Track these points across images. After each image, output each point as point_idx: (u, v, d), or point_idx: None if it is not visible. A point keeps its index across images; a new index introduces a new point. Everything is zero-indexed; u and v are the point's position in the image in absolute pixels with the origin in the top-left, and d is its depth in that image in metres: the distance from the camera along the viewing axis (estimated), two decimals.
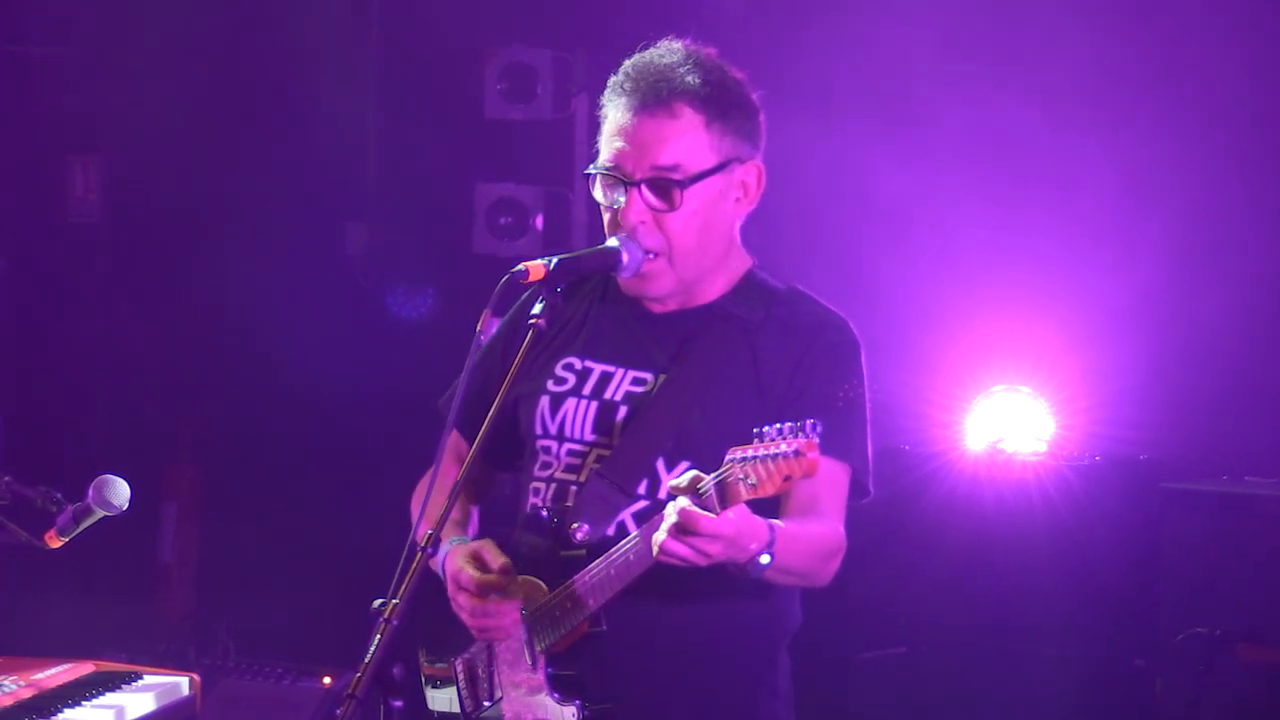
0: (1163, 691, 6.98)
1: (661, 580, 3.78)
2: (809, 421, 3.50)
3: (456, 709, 4.22)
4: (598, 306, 4.21)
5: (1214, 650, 6.78)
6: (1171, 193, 7.47)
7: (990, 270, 7.55)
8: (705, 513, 3.55)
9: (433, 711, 4.31)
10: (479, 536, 4.31)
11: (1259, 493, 6.98)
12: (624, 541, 3.81)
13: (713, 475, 3.58)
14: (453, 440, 4.27)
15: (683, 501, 3.58)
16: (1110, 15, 7.63)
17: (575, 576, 3.91)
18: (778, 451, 3.49)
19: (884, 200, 7.74)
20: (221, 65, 8.88)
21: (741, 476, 3.53)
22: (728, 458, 3.56)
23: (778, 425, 3.52)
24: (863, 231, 7.74)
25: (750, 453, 3.53)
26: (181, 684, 5.16)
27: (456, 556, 4.08)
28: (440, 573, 4.14)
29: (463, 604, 4.05)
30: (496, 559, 4.02)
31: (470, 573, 4.03)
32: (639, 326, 4.15)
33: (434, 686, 4.29)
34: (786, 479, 3.50)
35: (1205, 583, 6.90)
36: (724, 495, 3.56)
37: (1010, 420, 7.46)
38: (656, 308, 4.14)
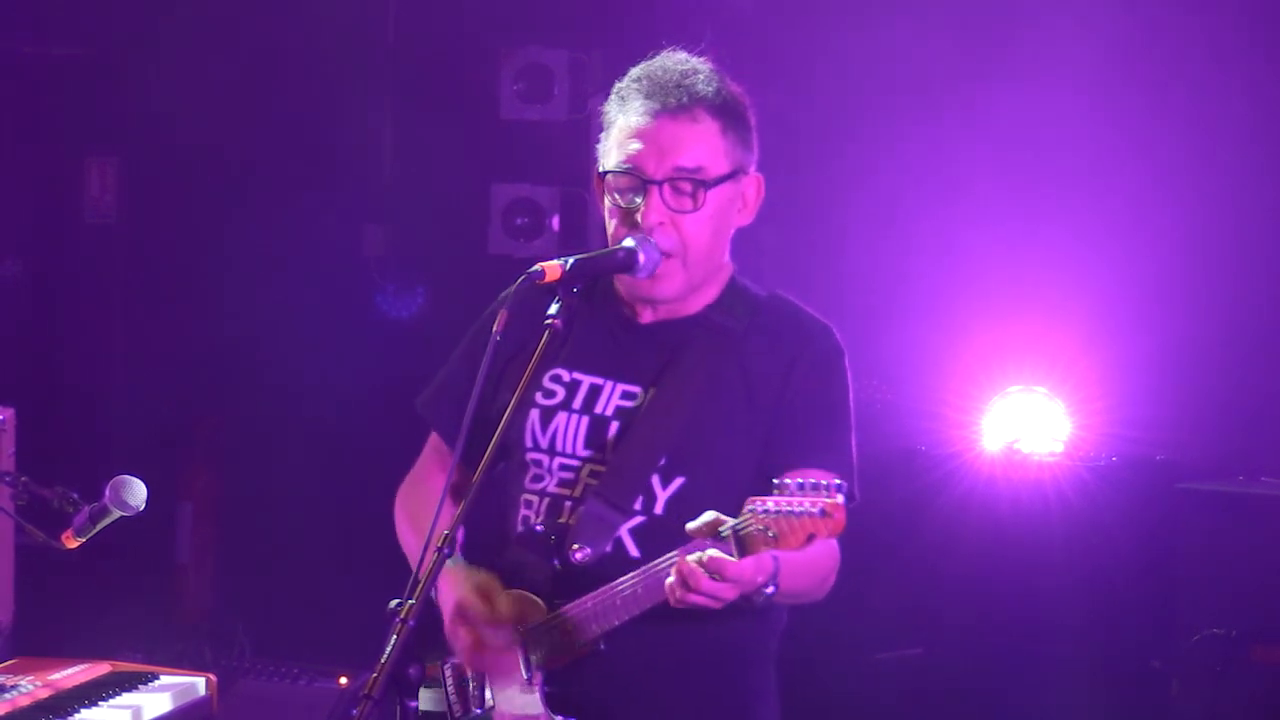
0: (1179, 692, 6.98)
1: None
2: (834, 482, 3.50)
3: (443, 708, 4.21)
4: (583, 315, 4.17)
5: (1230, 651, 6.78)
6: (1189, 193, 7.47)
7: (1006, 271, 7.55)
8: (725, 556, 3.57)
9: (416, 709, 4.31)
10: (464, 542, 4.31)
11: (1275, 493, 6.98)
12: (634, 574, 3.81)
13: (733, 522, 3.58)
14: (433, 442, 4.34)
15: (712, 552, 3.59)
16: (1128, 14, 7.62)
17: (577, 600, 3.91)
18: (802, 510, 3.49)
19: (899, 200, 7.74)
20: (237, 67, 8.89)
21: (761, 529, 3.53)
22: (747, 508, 3.56)
23: (799, 480, 3.52)
24: (877, 232, 7.73)
25: (773, 506, 3.52)
26: (198, 684, 5.17)
27: (460, 584, 4.07)
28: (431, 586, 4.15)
29: (462, 637, 4.04)
30: (503, 601, 4.02)
31: (477, 608, 4.02)
32: (625, 337, 4.14)
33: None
34: (810, 538, 3.51)
35: (1221, 583, 6.90)
36: (743, 544, 3.57)
37: (1026, 421, 7.46)
38: (644, 317, 4.13)
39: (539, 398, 4.14)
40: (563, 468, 4.10)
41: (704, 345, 4.06)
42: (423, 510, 4.19)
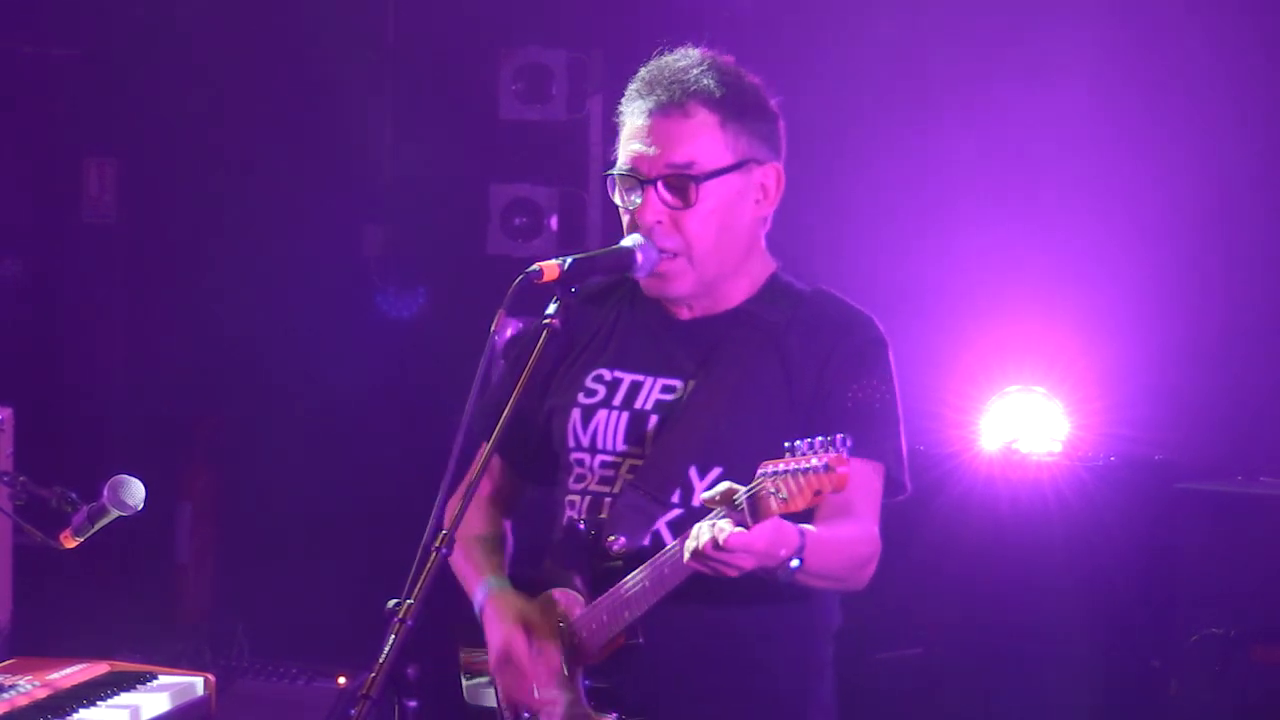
0: (1177, 692, 6.98)
1: (697, 590, 3.79)
2: (839, 436, 3.51)
3: (491, 704, 4.23)
4: (626, 316, 4.21)
5: (1228, 651, 6.77)
6: (1187, 192, 7.47)
7: (1005, 271, 7.55)
8: (737, 528, 3.57)
9: (469, 705, 4.32)
10: (515, 551, 4.32)
11: (1273, 493, 6.98)
12: (659, 555, 3.82)
13: (746, 489, 3.59)
14: (479, 453, 4.29)
15: (722, 524, 3.59)
16: (1128, 13, 7.62)
17: (611, 589, 3.91)
18: (808, 466, 3.50)
19: (898, 200, 7.74)
20: (236, 67, 8.89)
21: (773, 490, 3.54)
22: (759, 472, 3.57)
23: (809, 439, 3.53)
24: (876, 232, 7.74)
25: (781, 467, 3.54)
26: (196, 684, 5.16)
27: (505, 617, 4.08)
28: (475, 606, 4.15)
29: (507, 678, 4.05)
30: (548, 637, 4.03)
31: (521, 648, 4.03)
32: (666, 333, 4.15)
33: (472, 676, 4.30)
34: (817, 494, 3.51)
35: (1220, 583, 6.90)
36: (756, 509, 3.57)
37: (1025, 421, 7.46)
38: (683, 314, 4.14)
39: (581, 398, 4.17)
40: (603, 465, 4.11)
41: (744, 338, 4.07)
42: (474, 520, 4.21)
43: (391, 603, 3.61)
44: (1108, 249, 7.53)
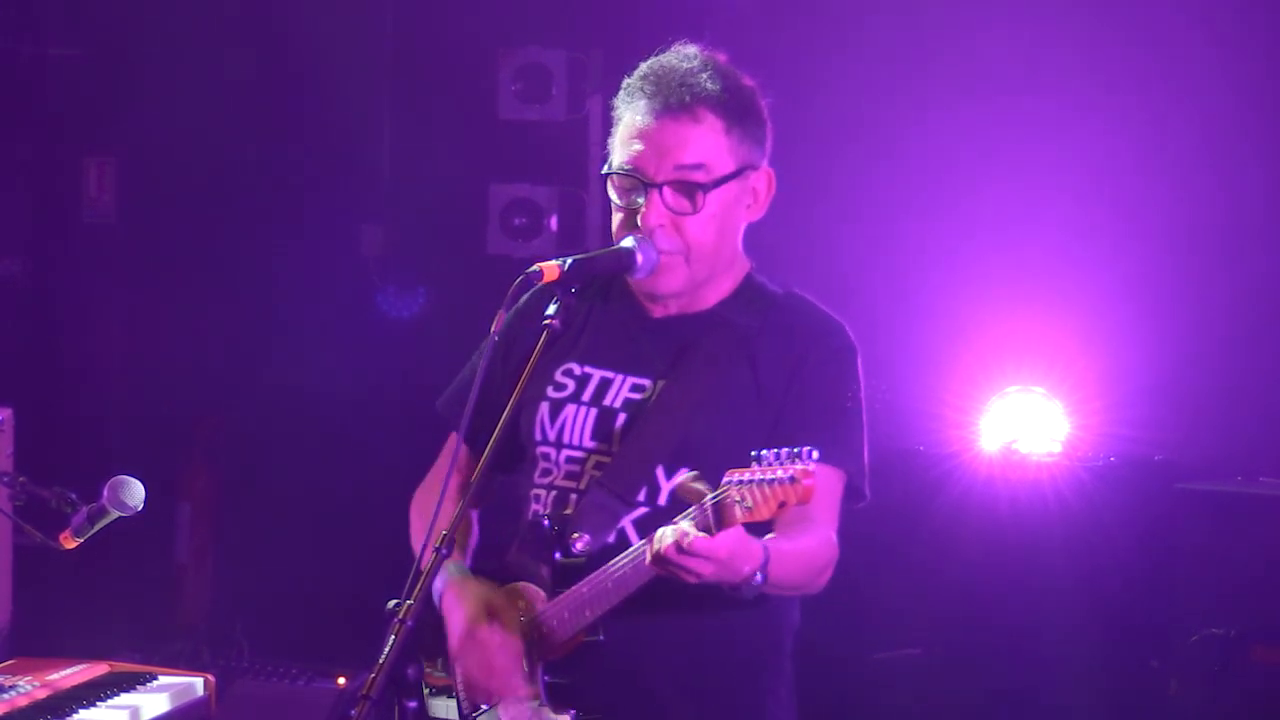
0: (1177, 692, 6.98)
1: (659, 590, 3.77)
2: (806, 449, 3.50)
3: (455, 716, 4.21)
4: (598, 311, 4.20)
5: (1228, 651, 6.77)
6: (1187, 192, 7.47)
7: (1005, 271, 7.55)
8: (700, 533, 3.56)
9: (434, 718, 4.31)
10: (479, 543, 4.31)
11: (1273, 493, 6.97)
12: (621, 555, 3.81)
13: (711, 495, 3.58)
14: (451, 443, 4.25)
15: (684, 525, 3.59)
16: (1127, 13, 7.63)
17: (573, 587, 3.90)
18: (773, 477, 3.49)
19: (898, 200, 7.75)
20: (235, 67, 8.89)
21: (738, 499, 3.53)
22: (725, 479, 3.56)
23: (775, 450, 3.52)
24: (876, 231, 7.74)
25: (747, 476, 3.53)
26: (196, 684, 5.16)
27: (467, 600, 4.05)
28: (434, 593, 4.09)
29: (470, 659, 4.01)
30: (514, 625, 4.00)
31: (485, 630, 3.98)
32: (639, 331, 4.14)
33: (435, 695, 4.28)
34: (782, 505, 3.51)
35: (1220, 583, 6.89)
36: (720, 517, 3.56)
37: (1025, 421, 7.46)
38: (657, 312, 4.14)
39: (550, 391, 4.15)
40: (569, 460, 4.10)
41: (716, 340, 4.06)
42: (441, 513, 4.20)
43: (391, 603, 3.62)
44: (1108, 249, 7.53)
